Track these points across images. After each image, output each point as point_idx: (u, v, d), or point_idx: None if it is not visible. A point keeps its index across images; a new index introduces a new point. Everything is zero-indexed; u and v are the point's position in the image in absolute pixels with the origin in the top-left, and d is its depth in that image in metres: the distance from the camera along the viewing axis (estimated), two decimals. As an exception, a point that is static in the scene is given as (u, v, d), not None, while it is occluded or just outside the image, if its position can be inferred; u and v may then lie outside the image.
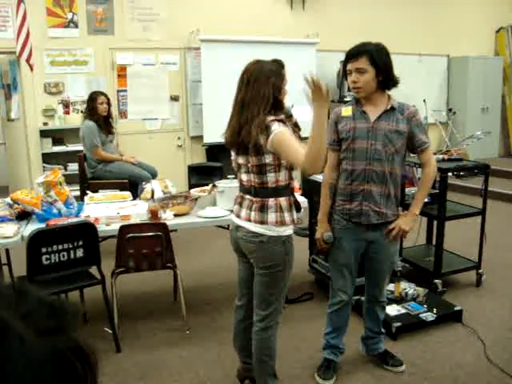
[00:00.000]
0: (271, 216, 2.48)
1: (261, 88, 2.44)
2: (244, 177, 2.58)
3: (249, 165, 2.50)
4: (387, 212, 2.82)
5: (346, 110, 2.88)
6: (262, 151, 2.42)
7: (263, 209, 2.50)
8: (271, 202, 2.49)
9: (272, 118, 2.43)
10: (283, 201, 2.51)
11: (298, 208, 2.64)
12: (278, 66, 2.53)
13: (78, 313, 0.61)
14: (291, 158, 2.40)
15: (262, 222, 2.49)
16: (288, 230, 2.54)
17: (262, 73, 2.47)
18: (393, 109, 2.77)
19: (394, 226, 2.84)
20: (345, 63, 2.79)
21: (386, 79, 2.74)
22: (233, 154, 2.63)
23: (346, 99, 7.13)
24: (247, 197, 2.57)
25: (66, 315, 0.58)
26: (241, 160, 2.55)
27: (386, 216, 2.82)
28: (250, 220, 2.53)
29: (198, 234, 5.11)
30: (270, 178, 2.48)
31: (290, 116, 2.61)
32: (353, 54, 2.73)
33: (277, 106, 2.49)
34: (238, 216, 2.62)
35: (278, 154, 2.42)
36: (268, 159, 2.43)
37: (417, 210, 2.89)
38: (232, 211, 3.63)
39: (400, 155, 2.80)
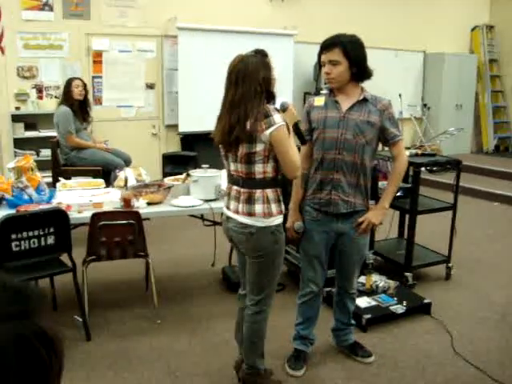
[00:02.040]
0: (258, 207, 2.51)
1: (251, 84, 2.42)
2: (232, 166, 2.59)
3: (238, 153, 2.49)
4: (355, 201, 2.84)
5: (319, 100, 2.89)
6: (254, 139, 2.42)
7: (250, 200, 2.52)
8: (258, 193, 2.51)
9: (272, 106, 2.46)
10: (270, 192, 2.53)
11: (286, 196, 2.71)
12: (261, 57, 2.51)
13: (44, 298, 0.60)
14: (287, 161, 2.47)
15: (250, 214, 2.52)
16: (277, 220, 2.56)
17: (249, 69, 2.44)
18: (365, 100, 2.78)
19: (364, 219, 2.86)
20: (319, 54, 2.79)
21: (360, 71, 2.75)
22: (221, 148, 2.62)
23: (322, 91, 7.14)
24: (234, 187, 2.59)
25: (30, 300, 0.57)
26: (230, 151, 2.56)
27: (354, 205, 2.84)
28: (238, 212, 2.56)
29: (171, 223, 5.09)
30: (258, 168, 2.49)
31: (284, 110, 2.61)
32: (326, 46, 2.73)
33: (269, 97, 2.51)
34: (228, 207, 2.65)
35: (274, 147, 2.45)
36: (259, 148, 2.44)
37: (386, 204, 2.91)
38: (205, 201, 3.65)
39: (370, 147, 2.80)
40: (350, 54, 2.68)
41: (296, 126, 2.60)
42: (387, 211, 2.98)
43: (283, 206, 2.63)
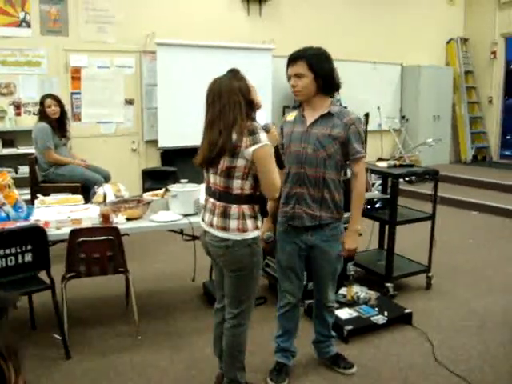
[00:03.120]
0: (233, 223, 2.50)
1: (228, 98, 2.44)
2: (211, 179, 2.59)
3: (219, 166, 2.49)
4: (321, 215, 2.84)
5: (291, 115, 2.94)
6: (237, 153, 2.43)
7: (225, 215, 2.51)
8: (234, 208, 2.50)
9: (260, 125, 2.48)
10: (246, 209, 2.52)
11: (264, 213, 2.68)
12: (233, 72, 2.54)
13: (3, 303, 0.59)
14: (268, 181, 2.47)
15: (224, 229, 2.51)
16: (253, 233, 2.55)
17: (222, 86, 2.47)
18: (330, 114, 2.80)
19: (343, 250, 2.91)
20: (286, 68, 2.82)
21: (326, 84, 2.77)
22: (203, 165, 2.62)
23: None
24: (211, 200, 2.60)
25: None
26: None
27: (320, 218, 2.84)
28: (212, 225, 2.56)
29: (150, 239, 5.06)
30: (236, 184, 2.49)
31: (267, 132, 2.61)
32: (291, 59, 2.77)
33: (250, 105, 2.52)
34: (203, 220, 2.66)
35: (256, 165, 2.45)
36: (239, 163, 2.44)
37: (357, 226, 2.92)
38: (184, 215, 3.64)
39: (334, 160, 2.80)
40: (314, 66, 2.71)
41: (276, 150, 2.61)
42: (359, 230, 2.98)
43: (260, 222, 2.63)
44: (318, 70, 2.71)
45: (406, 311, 3.84)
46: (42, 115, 5.38)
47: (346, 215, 3.01)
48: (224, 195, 2.53)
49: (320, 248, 2.89)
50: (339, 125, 2.77)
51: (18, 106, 6.69)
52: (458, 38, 10.21)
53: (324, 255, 2.91)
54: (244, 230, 2.51)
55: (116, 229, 3.38)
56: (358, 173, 2.85)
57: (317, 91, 2.77)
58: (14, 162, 6.49)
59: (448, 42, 10.26)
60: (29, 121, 6.52)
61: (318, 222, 2.84)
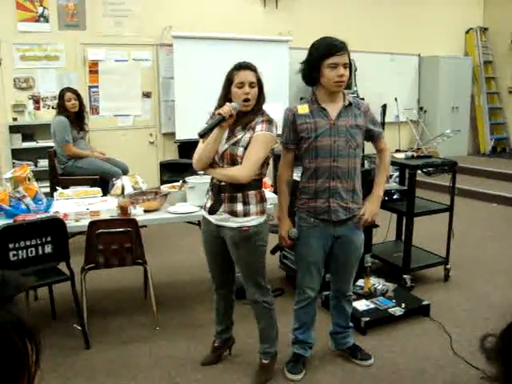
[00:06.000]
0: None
1: None
2: None
3: None
4: (353, 206, 2.86)
5: (303, 108, 2.81)
6: None
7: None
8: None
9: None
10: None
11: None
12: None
13: (21, 286, 0.60)
14: None
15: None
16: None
17: None
18: (350, 104, 2.81)
19: (364, 212, 2.88)
20: (326, 56, 2.66)
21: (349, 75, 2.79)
22: None
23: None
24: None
25: (5, 288, 0.57)
26: None
27: (352, 210, 2.86)
28: None
29: (168, 231, 5.10)
30: None
31: None
32: (340, 48, 2.66)
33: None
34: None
35: None
36: None
37: (381, 192, 2.97)
38: (202, 207, 3.65)
39: (360, 149, 2.86)
40: (350, 58, 2.73)
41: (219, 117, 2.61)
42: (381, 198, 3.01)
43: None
44: (350, 61, 2.75)
45: (424, 303, 3.83)
46: (61, 108, 5.42)
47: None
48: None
49: (346, 237, 2.90)
50: (359, 114, 2.82)
51: (37, 100, 6.76)
52: (477, 27, 10.06)
53: (350, 243, 2.93)
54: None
55: (134, 220, 3.41)
56: (385, 147, 3.00)
57: None
58: (33, 155, 6.58)
59: (467, 32, 10.12)
60: (48, 114, 6.60)
61: (351, 215, 2.86)
